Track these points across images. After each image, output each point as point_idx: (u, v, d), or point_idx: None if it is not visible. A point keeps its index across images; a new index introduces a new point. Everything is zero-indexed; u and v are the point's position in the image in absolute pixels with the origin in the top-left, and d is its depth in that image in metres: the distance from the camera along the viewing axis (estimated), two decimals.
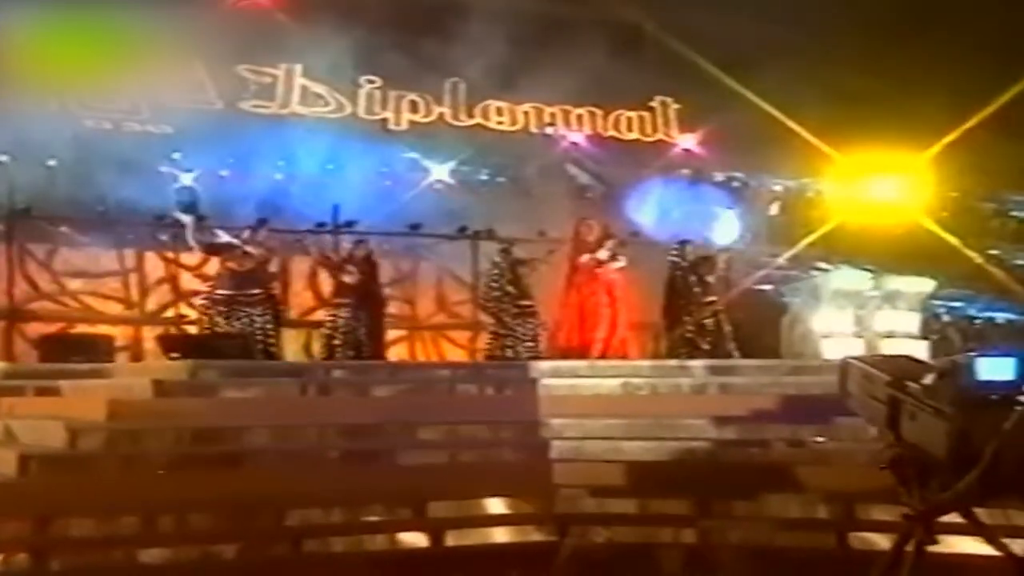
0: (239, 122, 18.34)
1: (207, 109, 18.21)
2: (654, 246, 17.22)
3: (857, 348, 14.43)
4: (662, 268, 15.66)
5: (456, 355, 18.08)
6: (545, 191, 19.06)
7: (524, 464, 10.07)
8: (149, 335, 16.06)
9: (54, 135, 16.54)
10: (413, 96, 19.76)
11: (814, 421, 10.01)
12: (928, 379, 4.30)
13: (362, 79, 19.44)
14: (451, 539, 9.26)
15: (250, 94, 18.93)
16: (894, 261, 18.05)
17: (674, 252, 15.40)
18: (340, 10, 17.76)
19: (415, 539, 9.22)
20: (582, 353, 13.44)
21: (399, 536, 9.21)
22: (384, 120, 19.54)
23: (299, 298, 17.25)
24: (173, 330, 15.67)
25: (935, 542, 4.39)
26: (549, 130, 20.18)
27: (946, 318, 18.54)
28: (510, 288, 14.97)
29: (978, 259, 20.07)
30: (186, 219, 13.67)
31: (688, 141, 20.84)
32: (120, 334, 16.45)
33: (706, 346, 14.68)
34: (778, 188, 21.21)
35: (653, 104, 21.01)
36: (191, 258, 16.39)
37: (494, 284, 15.17)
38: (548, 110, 20.31)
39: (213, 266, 14.56)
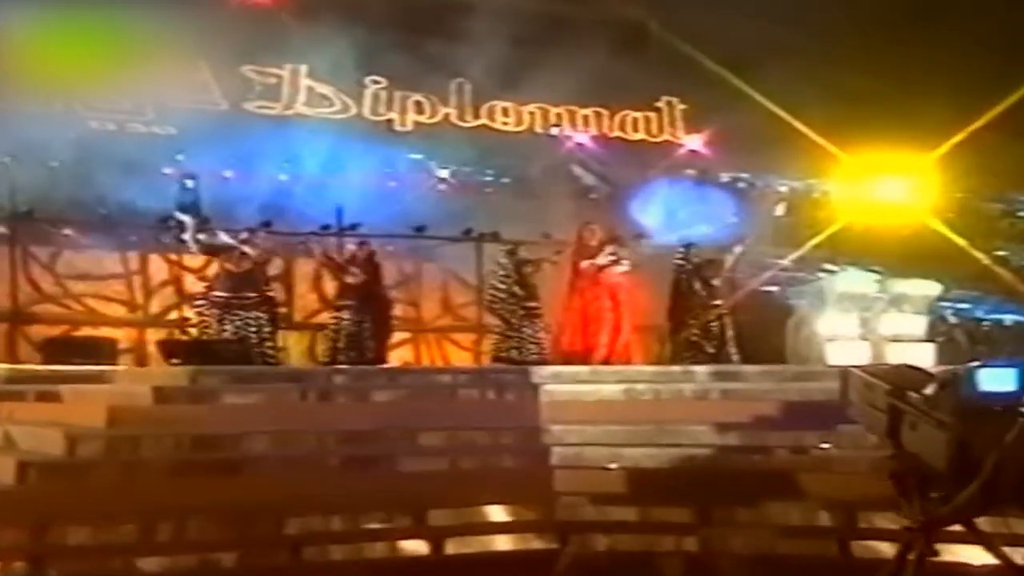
0: (243, 123, 18.33)
1: (211, 110, 18.20)
2: (659, 248, 17.15)
3: (862, 352, 14.37)
4: (667, 270, 15.58)
5: (461, 357, 18.02)
6: (550, 192, 19.00)
7: (525, 471, 10.01)
8: (153, 337, 16.03)
9: (57, 136, 16.53)
10: (418, 97, 19.74)
11: (817, 427, 9.95)
12: (929, 389, 4.32)
13: (367, 80, 19.41)
14: (451, 547, 9.22)
15: (255, 95, 18.91)
16: (901, 262, 17.98)
17: (679, 255, 15.32)
18: (345, 10, 17.74)
19: (415, 547, 9.18)
20: (585, 357, 13.39)
21: (399, 544, 9.16)
22: (389, 121, 19.51)
23: (303, 300, 17.21)
24: (177, 333, 15.63)
25: (936, 553, 4.37)
26: (554, 131, 20.13)
27: (953, 320, 18.44)
28: (516, 289, 14.94)
29: (985, 260, 19.97)
30: (185, 219, 13.61)
31: (694, 141, 20.78)
32: (124, 337, 16.41)
33: (711, 350, 14.61)
34: (784, 189, 21.13)
35: (659, 104, 20.98)
36: (195, 260, 16.35)
37: (500, 286, 15.13)
38: (554, 110, 20.29)
39: (216, 268, 14.51)
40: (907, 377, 4.65)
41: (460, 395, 11.20)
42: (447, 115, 19.79)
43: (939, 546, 4.53)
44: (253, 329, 12.91)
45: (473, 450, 10.19)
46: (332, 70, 18.78)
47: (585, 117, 20.51)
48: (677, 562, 9.28)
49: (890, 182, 20.05)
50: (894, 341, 14.63)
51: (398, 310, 16.84)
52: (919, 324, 15.09)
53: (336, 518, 9.13)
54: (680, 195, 19.35)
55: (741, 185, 20.82)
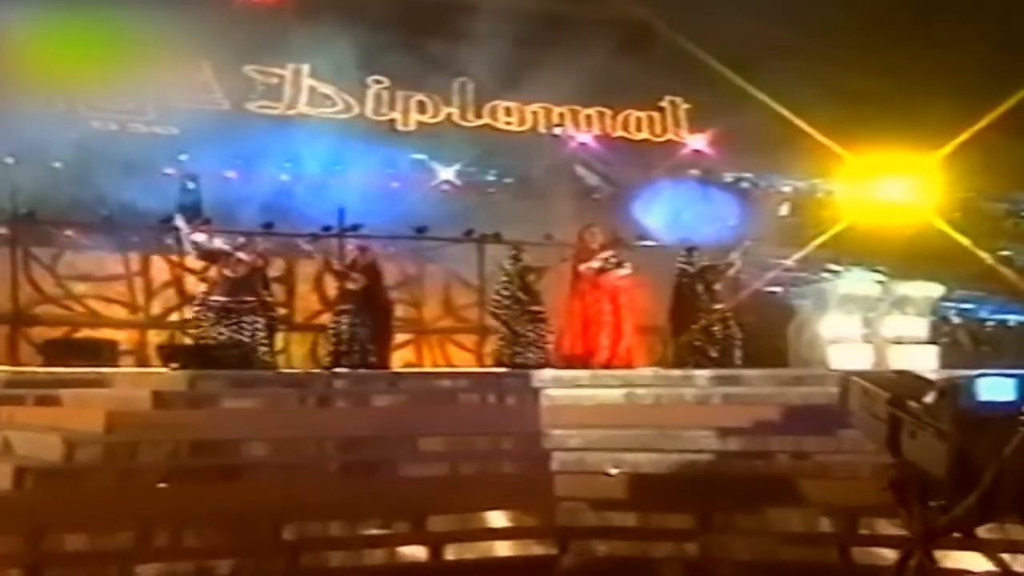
0: (245, 123, 18.28)
1: (213, 110, 18.15)
2: (663, 249, 17.12)
3: (865, 354, 14.31)
4: (670, 271, 15.54)
5: (463, 359, 17.99)
6: (553, 192, 18.96)
7: (525, 476, 9.98)
8: (154, 339, 16.02)
9: (59, 137, 16.51)
10: (421, 96, 19.68)
11: (818, 432, 9.90)
12: (928, 398, 4.25)
13: (370, 79, 19.37)
14: (451, 553, 9.21)
15: (257, 94, 18.86)
16: (905, 262, 17.94)
17: (681, 258, 15.28)
18: (347, 10, 17.70)
19: (414, 552, 9.16)
20: (586, 361, 13.34)
21: (398, 550, 9.15)
22: (392, 121, 19.46)
23: (305, 302, 17.18)
24: (178, 335, 15.62)
25: (935, 563, 4.33)
26: (557, 130, 20.08)
27: (956, 320, 18.38)
28: (520, 295, 14.94)
29: (990, 260, 19.91)
30: (181, 223, 13.56)
31: (698, 141, 20.72)
32: (125, 338, 16.39)
33: (715, 354, 14.57)
34: (788, 189, 21.08)
35: (663, 104, 20.90)
36: (196, 261, 16.33)
37: (504, 291, 15.13)
38: (557, 110, 20.22)
39: (215, 272, 14.47)
40: (907, 385, 4.58)
41: (460, 400, 11.15)
42: (449, 115, 19.74)
43: (940, 552, 4.50)
44: (248, 333, 12.86)
45: (473, 455, 10.16)
46: (334, 70, 18.72)
47: (588, 117, 20.44)
48: (677, 568, 9.26)
49: (894, 182, 19.98)
50: (897, 343, 14.56)
51: (400, 311, 16.81)
52: (922, 326, 15.02)
53: (335, 524, 9.13)
54: (683, 196, 19.32)
55: (745, 185, 20.76)
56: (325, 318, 15.76)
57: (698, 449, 10.10)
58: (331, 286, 15.82)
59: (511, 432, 10.48)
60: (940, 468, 4.07)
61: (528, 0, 19.20)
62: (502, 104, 19.93)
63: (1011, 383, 4.06)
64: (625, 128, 20.66)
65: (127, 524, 8.54)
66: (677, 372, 12.65)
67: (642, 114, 20.74)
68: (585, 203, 19.04)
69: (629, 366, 13.50)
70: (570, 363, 13.49)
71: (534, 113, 20.11)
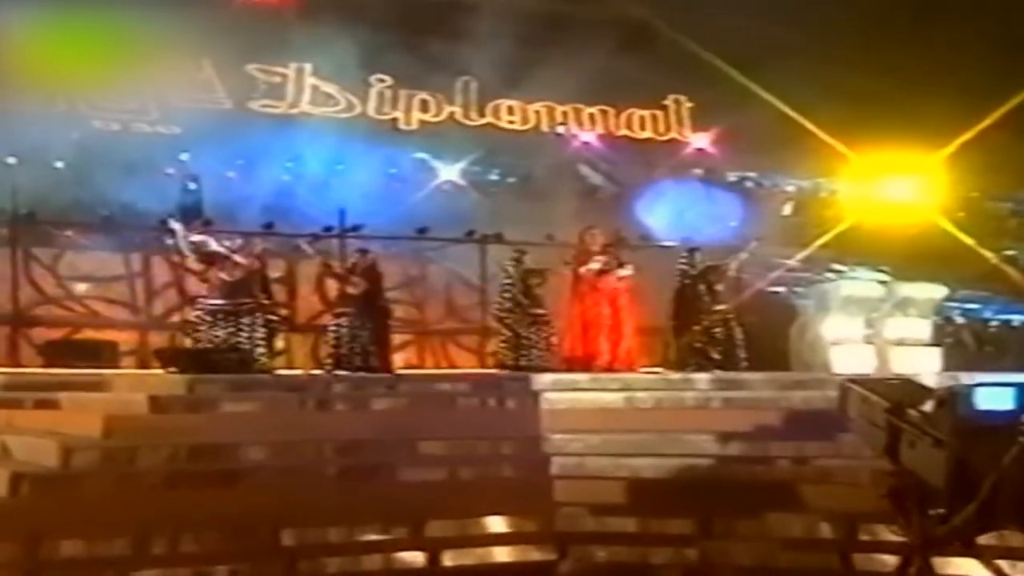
0: (248, 122, 18.25)
1: (216, 109, 18.13)
2: (666, 249, 17.07)
3: (867, 356, 14.26)
4: (674, 272, 15.47)
5: (465, 359, 17.93)
6: (556, 192, 18.92)
7: (524, 481, 9.95)
8: (155, 339, 15.99)
9: (61, 137, 16.49)
10: (424, 95, 19.66)
11: (818, 437, 9.85)
12: (927, 406, 4.25)
13: (372, 78, 19.34)
14: (449, 558, 9.18)
15: (259, 94, 18.84)
16: (908, 262, 17.89)
17: (683, 260, 15.22)
18: (350, 8, 17.68)
19: (413, 558, 9.13)
20: (586, 363, 13.28)
21: (396, 555, 9.12)
22: (394, 120, 19.44)
23: (306, 302, 17.13)
24: (178, 336, 15.56)
25: (934, 570, 4.31)
26: (560, 129, 20.04)
27: (960, 320, 18.31)
28: (522, 298, 14.92)
29: (994, 260, 19.85)
30: (176, 227, 13.50)
31: (701, 140, 20.68)
32: (126, 339, 16.36)
33: (716, 355, 14.51)
34: (791, 188, 21.02)
35: (666, 103, 20.87)
36: (196, 263, 16.28)
37: (506, 295, 15.10)
38: (560, 109, 20.19)
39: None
40: (906, 393, 4.61)
41: (459, 404, 11.09)
42: (452, 114, 19.72)
43: (940, 559, 4.48)
44: (246, 335, 12.81)
45: (472, 460, 10.13)
46: (337, 69, 18.71)
47: (591, 115, 20.42)
48: (677, 574, 9.24)
49: (898, 181, 19.96)
50: (899, 345, 14.51)
51: (402, 312, 16.77)
52: (924, 328, 14.97)
53: (333, 529, 9.09)
54: (687, 195, 19.27)
55: (748, 184, 20.73)
56: (326, 318, 15.69)
57: (698, 454, 10.05)
58: (332, 288, 15.74)
59: (510, 436, 10.44)
60: (939, 477, 4.09)
61: None
62: (505, 103, 19.91)
63: (1010, 392, 4.11)
64: (628, 127, 20.65)
65: (124, 530, 8.50)
66: (677, 376, 12.58)
67: (645, 113, 20.72)
68: (588, 202, 18.99)
69: (631, 368, 13.43)
70: (571, 366, 13.44)
71: (537, 112, 20.09)
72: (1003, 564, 7.99)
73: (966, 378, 11.94)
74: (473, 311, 18.19)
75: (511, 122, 19.94)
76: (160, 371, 12.05)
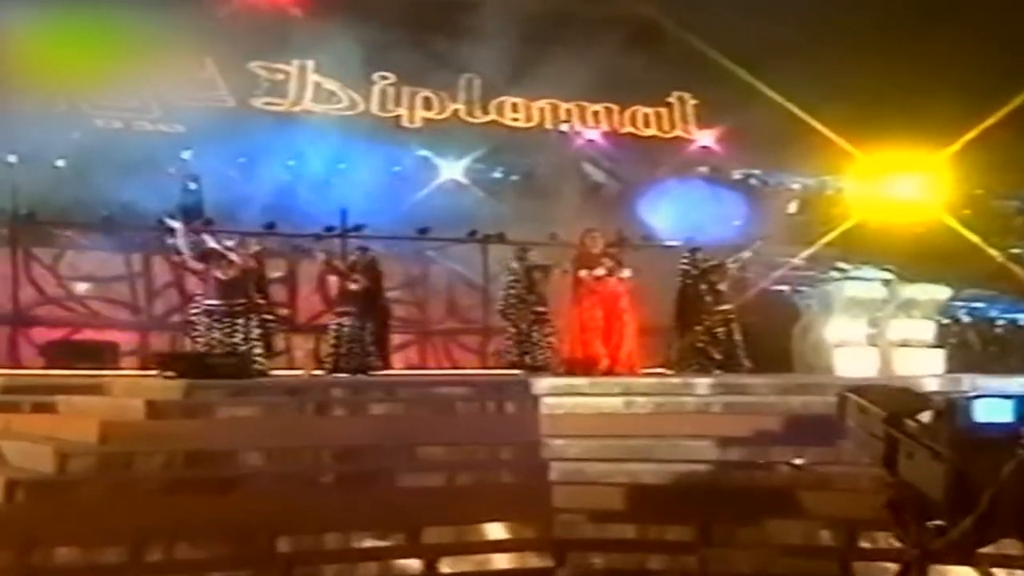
0: (250, 120, 18.22)
1: (218, 107, 18.10)
2: (669, 248, 17.01)
3: (871, 358, 14.18)
4: (677, 271, 15.41)
5: (467, 359, 17.85)
6: (559, 190, 18.85)
7: (522, 486, 9.87)
8: (156, 339, 15.96)
9: (62, 135, 16.45)
10: (427, 92, 19.62)
11: (819, 442, 9.77)
12: (925, 417, 4.19)
13: (375, 75, 19.30)
14: (447, 565, 9.13)
15: (262, 91, 18.81)
16: (914, 260, 17.80)
17: (685, 260, 15.15)
18: (353, 6, 17.65)
19: (410, 565, 9.09)
20: (586, 366, 13.19)
21: (393, 562, 9.07)
22: (398, 117, 19.40)
23: (307, 302, 17.07)
24: (179, 336, 15.52)
25: None
26: (564, 127, 19.99)
27: (966, 319, 18.22)
28: (527, 295, 14.90)
29: (1000, 258, 19.77)
30: (175, 225, 13.45)
31: (706, 138, 20.62)
32: (127, 339, 16.32)
33: (718, 356, 14.45)
34: (796, 186, 20.94)
35: (671, 100, 20.81)
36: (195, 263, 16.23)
37: (511, 291, 15.08)
38: (564, 106, 20.15)
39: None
40: (904, 402, 4.53)
41: (458, 408, 11.01)
42: (456, 111, 19.68)
43: (939, 568, 4.44)
44: (241, 336, 12.75)
45: (470, 465, 10.05)
46: (340, 66, 18.70)
47: (595, 113, 20.39)
48: None
49: (903, 179, 19.90)
50: (903, 346, 14.43)
51: (404, 312, 16.72)
52: (928, 329, 14.88)
53: (331, 536, 9.05)
54: (691, 193, 19.19)
55: (753, 182, 20.67)
56: (328, 318, 15.64)
57: (698, 459, 9.97)
58: (333, 285, 15.67)
59: (509, 442, 10.36)
60: (937, 489, 4.02)
61: None
62: (509, 100, 19.87)
63: (1009, 404, 4.01)
64: (633, 124, 20.58)
65: (120, 537, 8.46)
66: (678, 380, 12.49)
67: (650, 110, 20.70)
68: (591, 200, 18.91)
69: (632, 371, 13.35)
70: (570, 368, 13.36)
71: (541, 109, 20.07)
72: (1000, 573, 7.99)
73: (969, 381, 11.93)
74: (475, 311, 18.11)
75: (515, 119, 19.92)
76: (158, 374, 11.98)
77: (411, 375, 14.17)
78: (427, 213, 18.20)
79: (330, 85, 19.17)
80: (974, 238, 19.30)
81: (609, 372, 13.02)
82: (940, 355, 14.58)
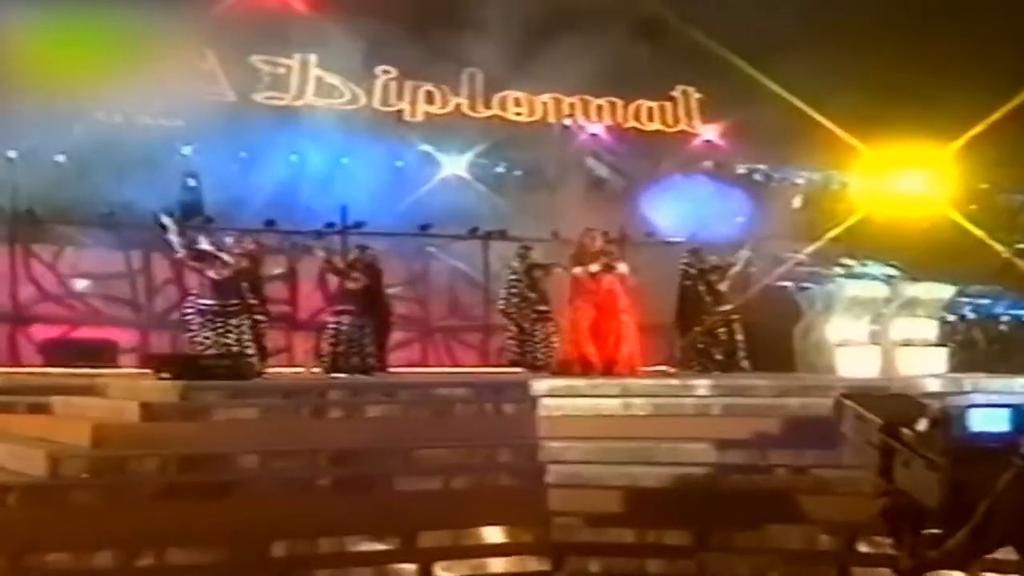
0: (251, 114, 18.14)
1: (219, 101, 18.01)
2: (671, 245, 16.93)
3: (873, 357, 14.10)
4: (677, 269, 15.34)
5: (468, 357, 17.77)
6: (562, 185, 18.78)
7: (520, 490, 9.84)
8: (156, 337, 15.91)
9: (63, 131, 16.37)
10: (429, 86, 19.52)
11: (818, 445, 9.69)
12: (922, 426, 4.20)
13: (377, 69, 19.21)
14: (443, 570, 9.10)
15: (263, 85, 18.72)
16: (920, 256, 17.69)
17: (685, 259, 15.06)
18: None
19: (405, 570, 9.04)
20: (579, 367, 13.08)
21: (388, 567, 9.03)
22: (400, 111, 19.31)
23: (308, 300, 16.99)
24: (179, 334, 15.44)
25: None
26: (567, 121, 19.89)
27: (972, 316, 18.09)
28: (529, 293, 14.84)
29: (1006, 254, 19.65)
30: (168, 223, 13.35)
31: (710, 132, 20.51)
32: (127, 337, 16.27)
33: (719, 356, 14.37)
34: (801, 181, 20.82)
35: (675, 94, 20.70)
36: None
37: (513, 290, 15.03)
38: (567, 100, 20.03)
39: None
40: (900, 410, 4.54)
41: (456, 410, 10.96)
42: (458, 105, 19.58)
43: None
44: (234, 336, 12.68)
45: (468, 468, 10.01)
46: (341, 60, 18.59)
47: (599, 107, 20.27)
48: None
49: (909, 174, 19.75)
50: (905, 346, 14.35)
51: (405, 309, 16.65)
52: (931, 328, 14.80)
53: (326, 540, 9.01)
54: (695, 189, 19.08)
55: (757, 177, 20.54)
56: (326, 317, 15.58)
57: (696, 462, 9.92)
58: (332, 283, 15.60)
59: (507, 444, 10.33)
60: (933, 499, 4.05)
61: None
62: (512, 94, 19.77)
63: (1005, 413, 4.05)
64: (637, 119, 20.47)
65: (112, 542, 8.43)
66: (676, 381, 12.40)
67: (654, 104, 20.56)
68: (595, 196, 18.81)
69: (633, 371, 13.26)
70: (564, 369, 13.21)
71: (544, 103, 19.94)
72: None
73: (971, 381, 11.86)
74: (476, 308, 18.01)
75: (517, 114, 19.81)
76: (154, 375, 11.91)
77: (409, 376, 14.06)
78: (429, 209, 18.11)
79: (332, 79, 19.05)
80: (980, 233, 19.18)
81: (609, 372, 12.92)
82: (943, 354, 14.51)
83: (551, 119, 19.96)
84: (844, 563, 8.98)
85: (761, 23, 18.11)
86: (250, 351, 12.74)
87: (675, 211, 18.56)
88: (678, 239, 17.38)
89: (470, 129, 19.23)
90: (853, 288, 14.76)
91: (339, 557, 9.01)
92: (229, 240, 13.51)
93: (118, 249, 16.65)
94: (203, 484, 9.22)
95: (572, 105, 20.06)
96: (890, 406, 4.59)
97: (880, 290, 14.80)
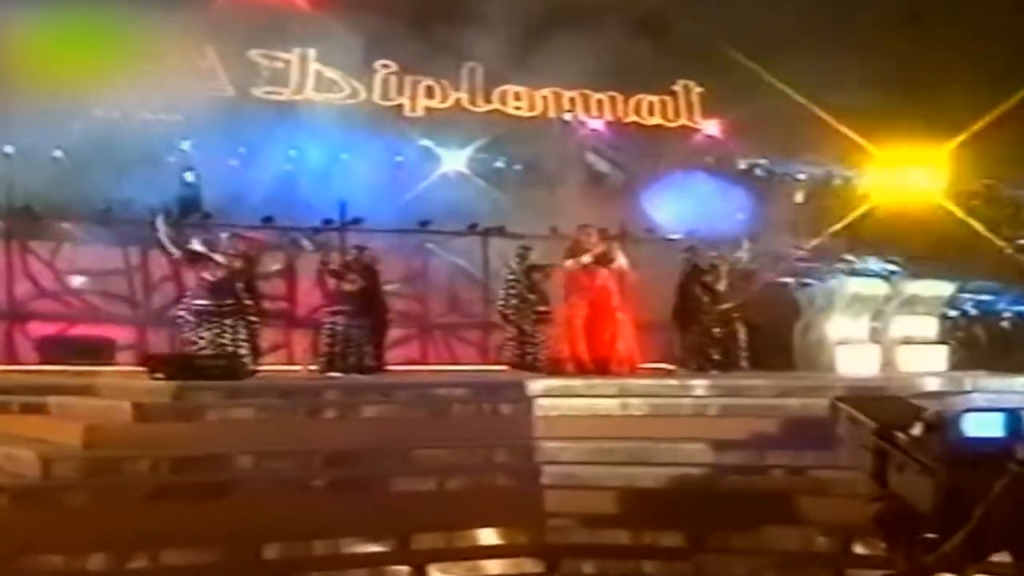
0: (250, 110, 18.11)
1: (219, 96, 17.98)
2: (672, 242, 16.88)
3: (873, 355, 14.05)
4: (677, 265, 15.28)
5: (468, 354, 17.70)
6: (562, 180, 18.72)
7: (515, 491, 9.77)
8: (153, 335, 15.87)
9: (61, 126, 16.34)
10: (429, 81, 19.50)
11: (817, 446, 9.63)
12: (916, 430, 4.16)
13: (377, 64, 19.19)
14: (437, 571, 9.05)
15: (262, 80, 18.70)
16: (922, 251, 17.67)
17: (684, 257, 15.00)
18: None
19: (399, 572, 9.00)
20: (576, 366, 12.99)
21: (383, 568, 8.99)
22: (399, 106, 19.29)
23: (307, 297, 16.92)
24: (176, 332, 15.40)
25: None
26: (568, 116, 19.85)
27: (973, 312, 18.02)
28: (528, 295, 14.81)
29: (1009, 249, 19.59)
30: (160, 224, 13.29)
31: (711, 127, 20.47)
32: (124, 334, 16.22)
33: (717, 356, 14.31)
34: (803, 177, 20.74)
35: (676, 88, 20.65)
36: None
37: (512, 291, 14.96)
38: (567, 95, 20.00)
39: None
40: (895, 414, 4.50)
41: (453, 410, 10.88)
42: (458, 100, 19.55)
43: None
44: (229, 337, 12.63)
45: (463, 469, 9.94)
46: (341, 54, 18.57)
47: (599, 101, 20.22)
48: None
49: (912, 169, 19.71)
50: (905, 343, 14.30)
51: (404, 306, 16.61)
52: (931, 326, 14.75)
53: (321, 542, 8.96)
54: (695, 185, 19.01)
55: (759, 172, 20.45)
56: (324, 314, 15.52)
57: (693, 463, 9.86)
58: (329, 284, 15.55)
59: (503, 445, 10.26)
60: (927, 503, 4.03)
61: None
62: (512, 89, 19.74)
63: (999, 418, 4.02)
64: (637, 113, 20.43)
65: (106, 544, 8.38)
66: (674, 381, 12.33)
67: (654, 99, 20.52)
68: (595, 191, 18.75)
69: (632, 368, 13.17)
70: (556, 368, 13.10)
71: (544, 98, 19.92)
72: None
73: (971, 380, 11.79)
74: (476, 305, 17.93)
75: (518, 108, 19.79)
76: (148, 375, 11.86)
77: (405, 375, 13.98)
78: (428, 205, 18.04)
79: (331, 74, 19.05)
80: (983, 229, 19.12)
81: (604, 371, 12.82)
82: (943, 352, 14.45)
83: (551, 114, 19.92)
84: (841, 565, 8.90)
85: (762, 18, 18.10)
86: (244, 351, 12.69)
87: (676, 207, 18.48)
88: (678, 235, 17.30)
89: (470, 124, 19.18)
90: (853, 285, 14.71)
91: (334, 559, 8.94)
92: (224, 238, 13.43)
93: (116, 245, 16.57)
94: (197, 485, 9.16)
95: (572, 100, 20.06)
96: (885, 409, 4.54)
97: (880, 287, 14.75)
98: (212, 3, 17.51)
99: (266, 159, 18.07)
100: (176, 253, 13.34)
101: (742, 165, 20.43)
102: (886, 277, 15.29)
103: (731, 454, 9.94)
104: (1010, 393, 10.85)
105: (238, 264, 13.06)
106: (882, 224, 19.21)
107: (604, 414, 10.65)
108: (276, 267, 16.60)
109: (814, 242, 18.49)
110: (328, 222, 17.26)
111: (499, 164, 19.50)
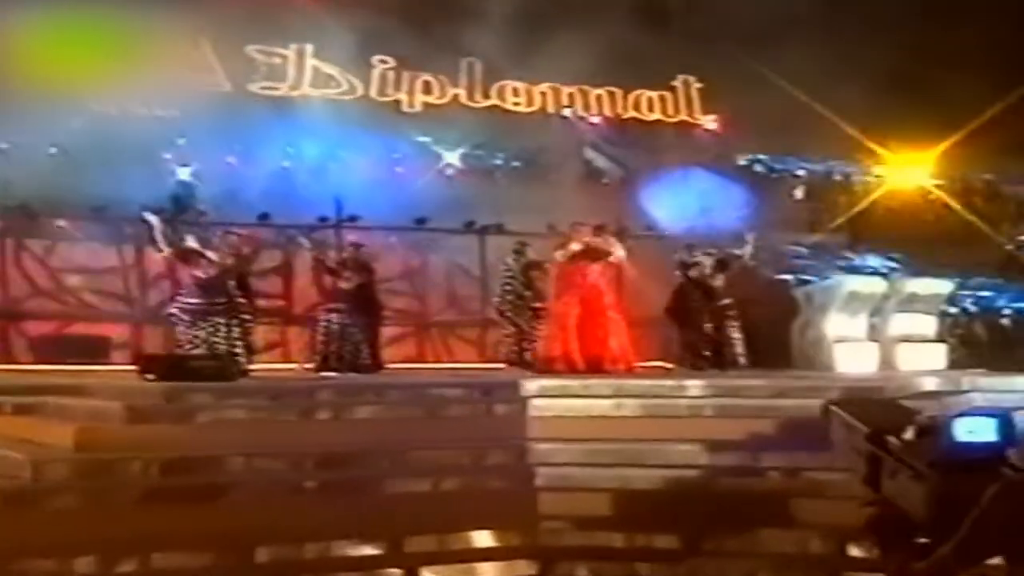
0: (247, 105, 18.04)
1: (215, 92, 17.92)
2: (671, 239, 16.81)
3: (871, 353, 14.00)
4: (674, 263, 15.21)
5: (465, 352, 17.63)
6: (561, 177, 18.63)
7: (508, 493, 9.72)
8: (149, 332, 15.82)
9: (56, 122, 16.27)
10: (427, 76, 19.43)
11: (813, 448, 9.57)
12: (908, 434, 4.07)
13: (375, 59, 19.12)
14: (430, 573, 9.00)
15: (259, 75, 18.64)
16: (922, 247, 17.60)
17: (683, 255, 14.93)
18: None
19: (392, 575, 8.96)
20: (567, 364, 12.90)
21: (376, 571, 8.94)
22: (397, 102, 19.22)
23: (303, 294, 16.86)
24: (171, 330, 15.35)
25: None
26: (567, 112, 19.78)
27: (973, 310, 17.92)
28: (525, 292, 14.73)
29: (1009, 246, 19.52)
30: (152, 220, 13.21)
31: (711, 122, 20.40)
32: (119, 332, 16.17)
33: (712, 354, 14.24)
34: (803, 173, 20.65)
35: (675, 84, 20.58)
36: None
37: (508, 288, 14.89)
38: (566, 90, 19.93)
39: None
40: (888, 418, 4.42)
41: (446, 411, 10.81)
42: (456, 95, 19.48)
43: None
44: (222, 335, 12.56)
45: (457, 471, 9.90)
46: (339, 50, 18.51)
47: (598, 97, 20.15)
48: None
49: (913, 165, 19.64)
50: (904, 342, 14.23)
51: (401, 303, 16.55)
52: (930, 324, 14.68)
53: (313, 545, 8.91)
54: (695, 181, 18.93)
55: (758, 168, 20.36)
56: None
57: (688, 464, 9.80)
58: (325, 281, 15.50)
59: (497, 445, 10.20)
60: (920, 509, 3.93)
61: None
62: (510, 84, 19.68)
63: (992, 423, 3.91)
64: (636, 109, 20.36)
65: (95, 547, 8.33)
66: (669, 381, 12.26)
67: (654, 94, 20.45)
68: (594, 188, 18.69)
69: (628, 366, 13.11)
70: (547, 367, 13.02)
71: (543, 93, 19.85)
72: None
73: (969, 379, 11.71)
74: (473, 302, 17.85)
75: (516, 104, 19.72)
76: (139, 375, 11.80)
77: (400, 375, 13.90)
78: (425, 202, 17.94)
79: (329, 69, 18.97)
80: (983, 225, 19.04)
81: (596, 369, 12.75)
82: (942, 350, 14.39)
83: (550, 109, 19.84)
84: (836, 568, 8.83)
85: (762, 12, 18.02)
86: (237, 350, 12.62)
87: (675, 203, 18.41)
88: (677, 231, 17.22)
89: (468, 120, 19.09)
90: (852, 283, 14.65)
91: (326, 561, 8.90)
92: (217, 236, 13.36)
93: (111, 243, 16.50)
94: (189, 487, 9.10)
95: (571, 95, 19.97)
96: (878, 413, 4.43)
97: (879, 285, 14.68)
98: None
99: (262, 155, 17.99)
100: (166, 251, 13.25)
101: (741, 161, 20.32)
102: (885, 274, 15.19)
103: (727, 455, 9.88)
104: (1009, 392, 10.77)
105: (231, 262, 12.99)
106: (881, 221, 19.13)
107: (599, 415, 10.57)
108: (271, 264, 16.52)
109: (813, 239, 18.40)
110: (324, 220, 17.17)
111: (497, 160, 19.39)
